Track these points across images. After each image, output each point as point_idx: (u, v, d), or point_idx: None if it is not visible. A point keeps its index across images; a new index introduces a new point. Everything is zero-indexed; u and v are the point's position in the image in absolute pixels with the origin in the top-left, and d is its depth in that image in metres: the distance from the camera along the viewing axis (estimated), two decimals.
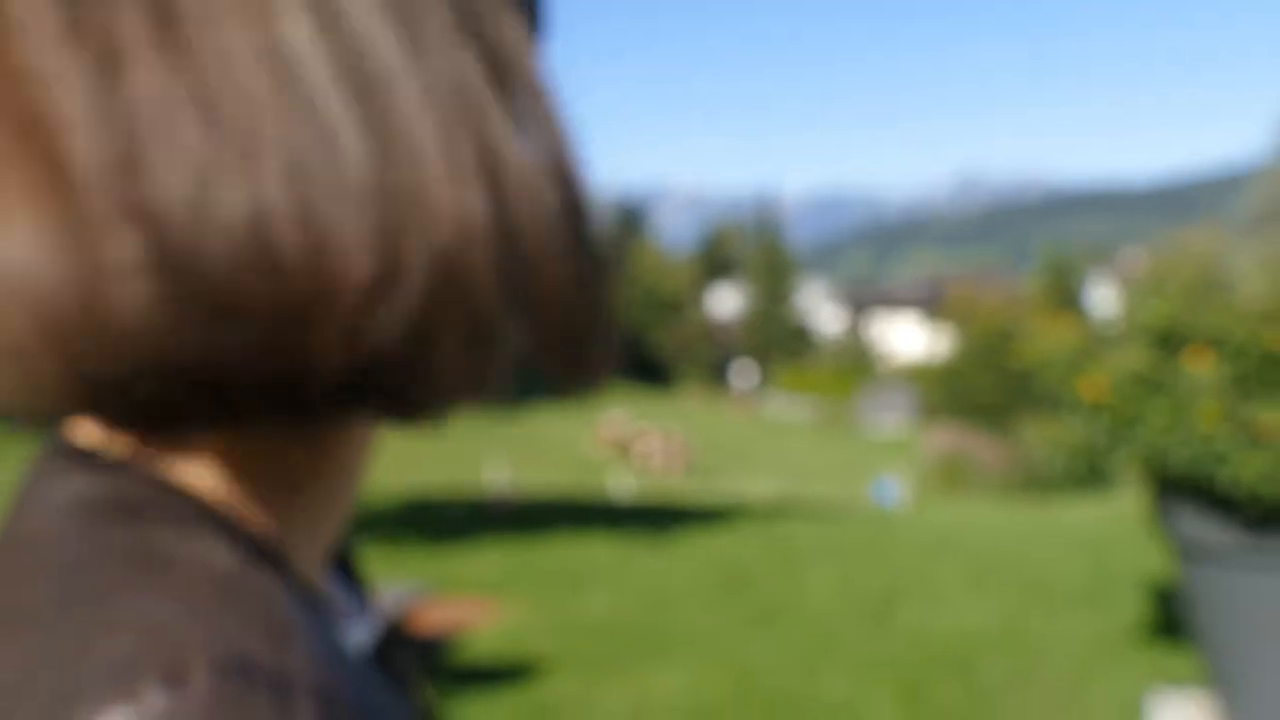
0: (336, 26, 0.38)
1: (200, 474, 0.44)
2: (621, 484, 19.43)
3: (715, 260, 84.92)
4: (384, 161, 0.37)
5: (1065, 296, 49.07)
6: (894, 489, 25.10)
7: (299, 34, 0.37)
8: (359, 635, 0.57)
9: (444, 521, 10.22)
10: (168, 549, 0.40)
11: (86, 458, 0.44)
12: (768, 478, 28.16)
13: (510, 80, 0.42)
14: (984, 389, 40.42)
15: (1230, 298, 4.34)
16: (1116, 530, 8.88)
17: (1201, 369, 4.17)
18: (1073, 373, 4.61)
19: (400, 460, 19.37)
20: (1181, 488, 4.22)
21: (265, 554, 0.43)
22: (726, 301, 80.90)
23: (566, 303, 0.43)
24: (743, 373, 59.68)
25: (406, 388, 0.40)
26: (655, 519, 10.25)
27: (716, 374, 64.02)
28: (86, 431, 0.46)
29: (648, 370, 59.27)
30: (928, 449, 34.68)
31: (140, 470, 0.44)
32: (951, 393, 42.47)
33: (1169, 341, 4.45)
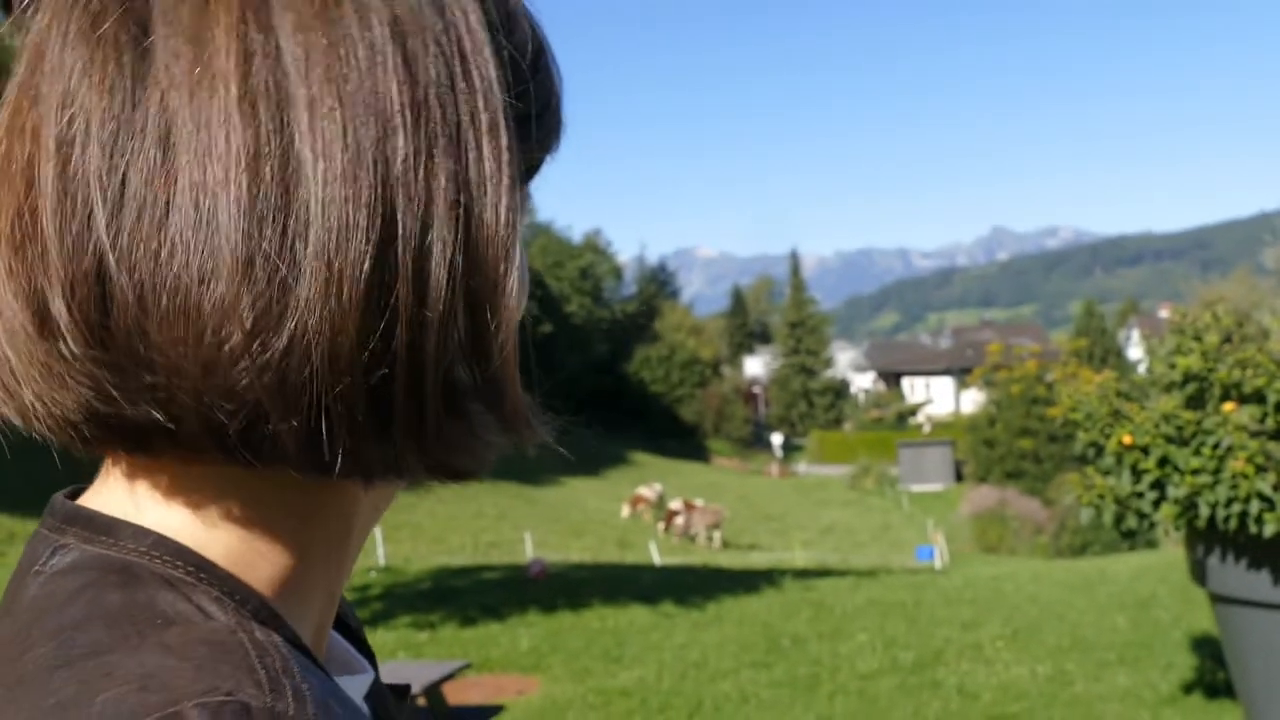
0: (275, 119, 0.43)
1: (185, 538, 0.48)
2: (659, 555, 19.33)
3: (743, 321, 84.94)
4: (274, 255, 0.43)
5: (1104, 353, 48.65)
6: (934, 553, 24.93)
7: (234, 124, 0.43)
8: (361, 688, 0.59)
9: (482, 595, 10.20)
10: (165, 608, 0.44)
11: (83, 518, 0.49)
12: (808, 546, 27.93)
13: (460, 208, 0.46)
14: (1021, 447, 40.10)
15: (1262, 346, 4.32)
16: (1159, 584, 8.75)
17: (1235, 417, 4.15)
18: (1109, 425, 4.60)
19: (437, 535, 19.37)
20: (1217, 533, 4.19)
21: (258, 613, 0.47)
22: (757, 365, 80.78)
23: (446, 413, 0.47)
24: (779, 438, 59.41)
25: (301, 441, 0.45)
26: (693, 586, 10.19)
27: (751, 439, 63.72)
28: (93, 494, 0.51)
29: (681, 435, 59.02)
30: (967, 508, 34.39)
31: (134, 529, 0.48)
32: (989, 452, 42.11)
33: (1202, 391, 4.44)
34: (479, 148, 0.47)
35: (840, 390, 73.42)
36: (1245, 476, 4.00)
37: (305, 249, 0.43)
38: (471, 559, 15.60)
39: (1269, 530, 3.95)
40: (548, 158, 0.58)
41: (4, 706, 0.42)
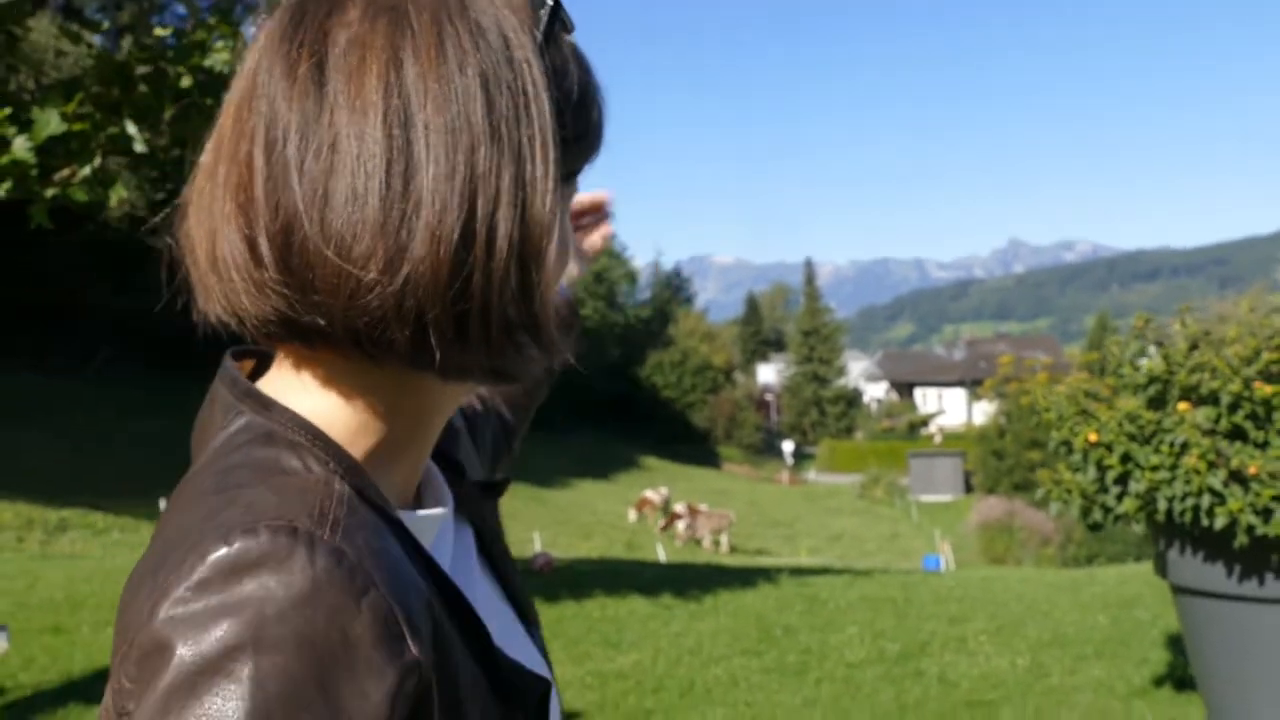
0: (403, 135, 0.69)
1: (318, 414, 0.77)
2: (665, 558, 19.55)
3: (757, 328, 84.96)
4: (398, 223, 0.69)
5: (1117, 366, 48.63)
6: (940, 562, 25.11)
7: (377, 137, 0.69)
8: (437, 518, 0.85)
9: None
10: (283, 462, 0.72)
11: (252, 396, 0.78)
12: (815, 552, 28.09)
13: (520, 193, 0.72)
14: (1030, 459, 40.19)
15: (1219, 352, 4.58)
16: (1144, 586, 9.00)
17: (1191, 416, 4.41)
18: (1077, 424, 4.87)
19: None
20: (1175, 526, 4.45)
21: (348, 471, 0.74)
22: (770, 373, 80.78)
23: (504, 336, 0.74)
24: (790, 446, 59.49)
25: (410, 345, 0.72)
26: (692, 580, 10.46)
27: (762, 446, 63.82)
28: (265, 380, 0.81)
29: (693, 440, 59.13)
30: (975, 519, 34.49)
31: (281, 408, 0.77)
32: (998, 463, 42.18)
33: (1164, 392, 4.71)
34: (533, 160, 0.72)
35: (853, 399, 73.44)
36: (1198, 472, 4.27)
37: (419, 220, 0.68)
38: None
39: (1219, 523, 4.22)
40: (587, 165, 0.85)
41: (182, 513, 0.70)
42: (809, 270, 77.82)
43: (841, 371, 73.06)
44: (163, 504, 14.59)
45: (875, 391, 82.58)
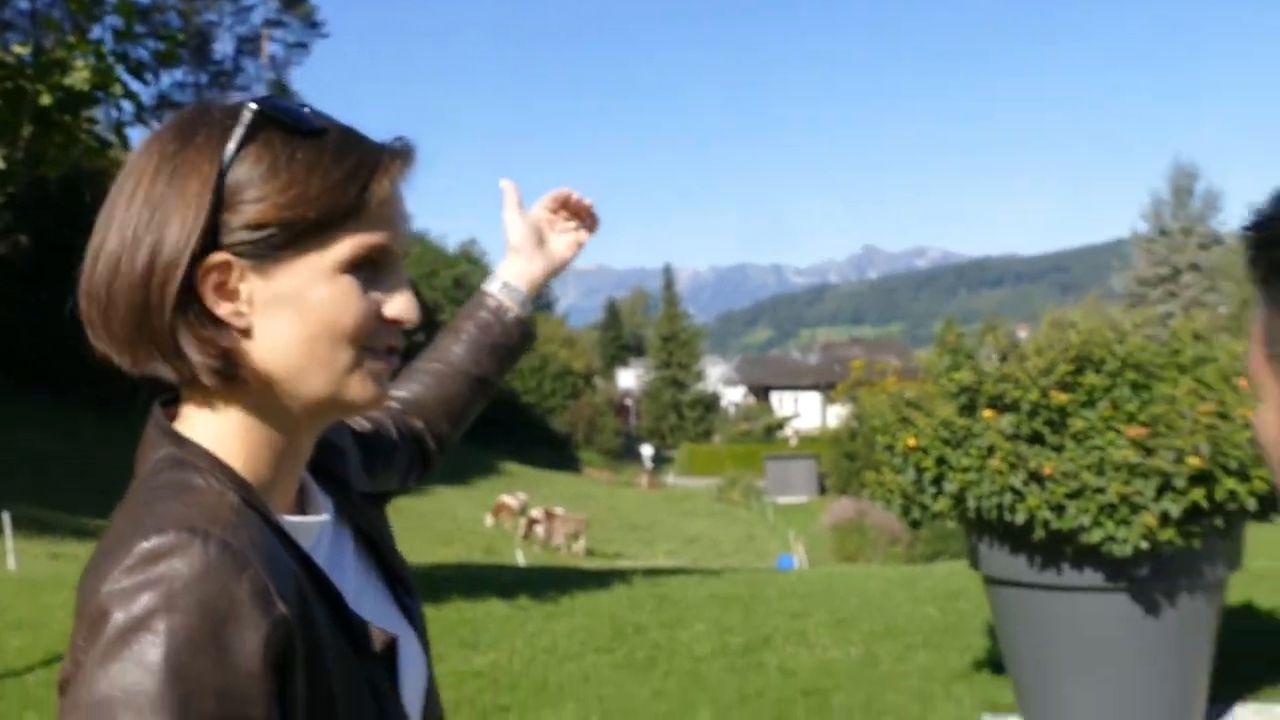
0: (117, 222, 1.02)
1: (212, 443, 1.05)
2: (524, 562, 19.74)
3: (617, 334, 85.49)
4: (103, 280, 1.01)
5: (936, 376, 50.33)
6: (794, 562, 25.78)
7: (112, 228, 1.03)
8: (316, 523, 1.13)
9: None
10: (190, 482, 0.99)
11: (170, 434, 1.06)
12: (672, 555, 28.56)
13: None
14: (879, 460, 41.25)
15: (1021, 364, 5.05)
16: (968, 581, 9.56)
17: (995, 423, 4.87)
18: (898, 429, 5.29)
19: None
20: (984, 522, 4.90)
21: (236, 485, 1.02)
22: (630, 378, 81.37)
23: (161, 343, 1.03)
24: (649, 450, 60.10)
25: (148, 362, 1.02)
26: (549, 583, 10.72)
27: (621, 450, 64.30)
28: (179, 419, 1.09)
29: (553, 445, 59.29)
30: (828, 519, 35.41)
31: (189, 443, 1.05)
32: (850, 464, 43.29)
33: (974, 400, 5.16)
34: (170, 225, 0.99)
35: (710, 404, 74.53)
36: (1001, 473, 4.72)
37: (117, 278, 0.99)
38: None
39: (1020, 518, 4.67)
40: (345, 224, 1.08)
41: (122, 520, 0.97)
42: (668, 276, 78.72)
43: (700, 376, 74.10)
44: (5, 517, 14.36)
45: (733, 396, 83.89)
